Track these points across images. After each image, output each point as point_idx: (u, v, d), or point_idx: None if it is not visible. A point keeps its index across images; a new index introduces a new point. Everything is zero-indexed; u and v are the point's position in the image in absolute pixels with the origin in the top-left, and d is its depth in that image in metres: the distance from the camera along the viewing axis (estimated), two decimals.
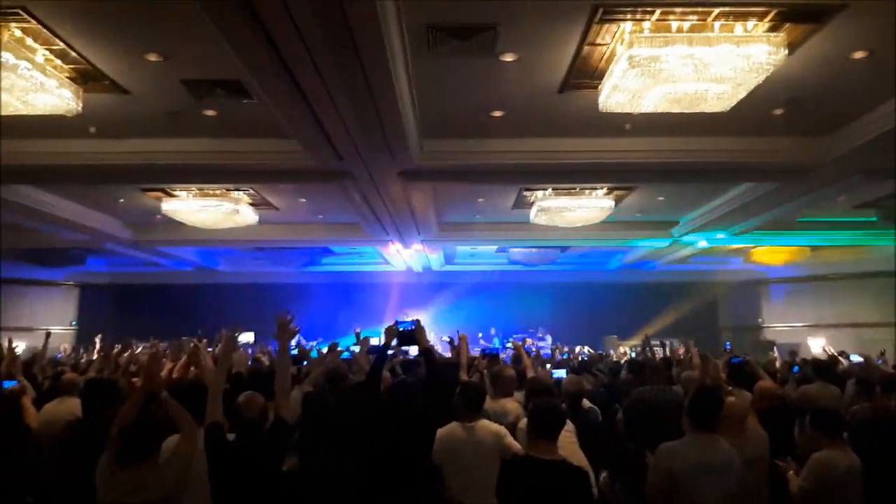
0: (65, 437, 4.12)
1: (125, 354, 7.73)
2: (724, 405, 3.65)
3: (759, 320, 20.06)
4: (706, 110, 6.25)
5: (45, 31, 5.69)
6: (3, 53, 5.39)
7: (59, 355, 12.31)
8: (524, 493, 3.14)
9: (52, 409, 5.11)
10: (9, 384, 4.97)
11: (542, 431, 3.29)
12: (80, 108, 6.45)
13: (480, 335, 17.54)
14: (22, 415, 4.66)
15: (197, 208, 10.95)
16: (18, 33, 5.69)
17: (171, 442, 3.49)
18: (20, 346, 13.51)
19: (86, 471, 3.37)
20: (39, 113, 6.31)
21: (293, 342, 12.81)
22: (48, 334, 8.08)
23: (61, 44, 5.94)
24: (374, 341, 6.42)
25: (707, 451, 3.37)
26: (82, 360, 10.43)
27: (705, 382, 4.34)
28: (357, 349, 6.66)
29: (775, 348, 14.66)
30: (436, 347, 9.95)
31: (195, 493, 3.38)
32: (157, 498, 3.19)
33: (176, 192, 11.05)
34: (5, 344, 6.95)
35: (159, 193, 11.18)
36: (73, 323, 19.46)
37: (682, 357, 7.86)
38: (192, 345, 6.68)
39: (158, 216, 12.00)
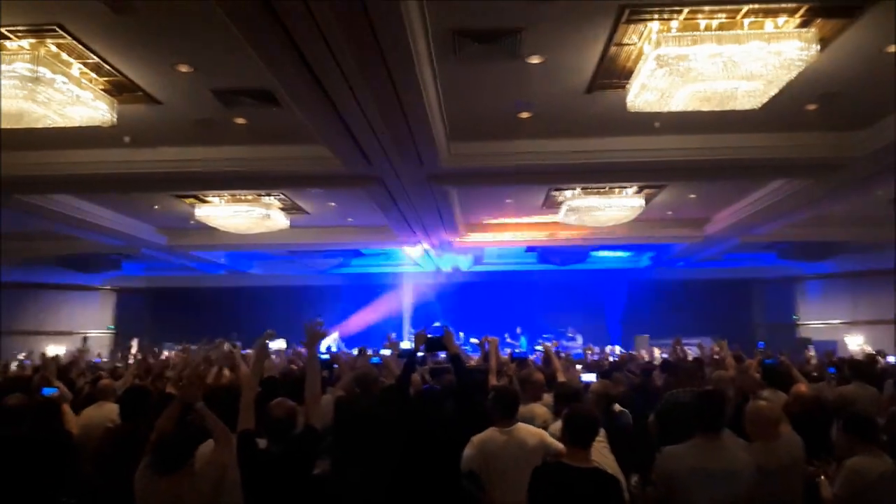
0: (104, 443, 4.23)
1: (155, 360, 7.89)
2: (725, 408, 3.61)
3: (795, 318, 19.70)
4: (737, 108, 6.17)
5: (79, 45, 5.83)
6: (41, 69, 5.53)
7: (98, 360, 12.57)
8: (556, 501, 3.14)
9: (91, 414, 5.25)
10: (48, 391, 5.09)
11: (576, 439, 3.28)
12: (114, 119, 6.59)
13: (507, 335, 17.50)
14: (63, 420, 4.79)
15: (229, 214, 11.11)
16: (54, 49, 5.84)
17: (205, 448, 3.56)
18: (61, 350, 13.89)
19: (125, 476, 3.46)
20: (76, 125, 6.47)
21: (331, 346, 12.92)
22: (85, 339, 8.27)
23: (95, 57, 6.08)
24: (404, 345, 6.46)
25: (709, 457, 3.33)
26: (119, 366, 10.65)
27: (741, 385, 4.28)
28: (388, 353, 6.71)
29: (811, 346, 14.38)
30: (463, 349, 9.99)
31: (229, 501, 3.45)
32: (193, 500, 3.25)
33: (208, 199, 11.23)
34: (46, 352, 7.13)
35: (192, 199, 11.38)
36: (111, 327, 19.87)
37: (714, 357, 7.77)
38: (228, 350, 6.79)
39: (192, 222, 12.21)
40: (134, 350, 14.27)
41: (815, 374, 8.47)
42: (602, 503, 3.10)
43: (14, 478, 3.80)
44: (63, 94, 5.91)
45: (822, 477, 3.84)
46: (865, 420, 3.90)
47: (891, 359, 8.46)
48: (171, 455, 3.29)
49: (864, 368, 6.77)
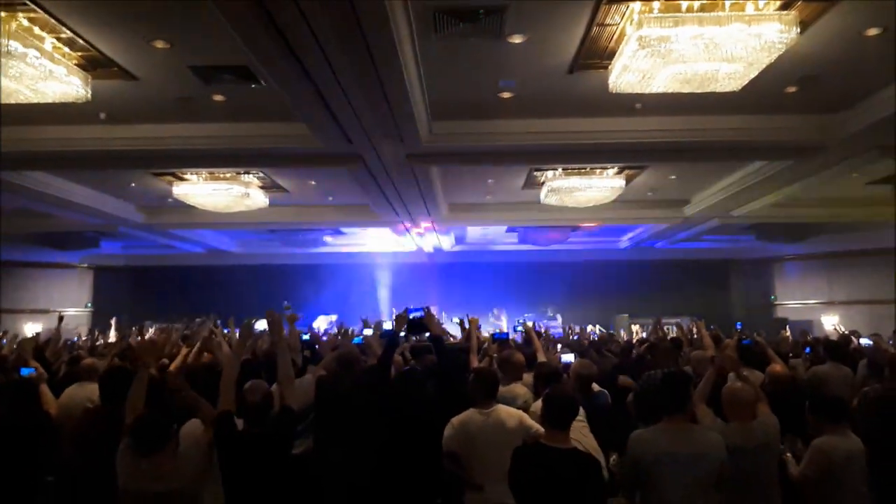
0: (84, 424, 4.19)
1: (139, 338, 7.82)
2: (690, 390, 3.65)
3: (772, 298, 19.98)
4: (717, 90, 6.19)
5: (52, 20, 5.70)
6: (11, 43, 5.41)
7: (75, 339, 12.43)
8: (536, 481, 3.16)
9: (72, 394, 5.20)
10: (26, 371, 5.04)
11: (555, 420, 3.30)
12: (89, 95, 6.48)
13: (495, 311, 17.65)
14: (41, 401, 4.75)
15: (208, 192, 11.00)
16: (26, 23, 5.71)
17: (191, 427, 3.56)
18: (37, 328, 13.73)
19: (105, 456, 3.44)
20: (50, 100, 6.35)
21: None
22: (61, 317, 8.15)
23: (68, 32, 5.95)
24: (386, 326, 6.45)
25: (676, 440, 3.35)
26: (98, 343, 10.55)
27: (721, 365, 4.31)
28: (370, 333, 6.70)
29: (787, 326, 14.61)
30: (445, 328, 10.01)
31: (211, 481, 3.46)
32: (178, 486, 3.24)
33: (186, 176, 11.09)
34: (24, 331, 7.04)
35: (170, 177, 11.24)
36: (89, 305, 19.68)
37: (692, 337, 7.86)
38: (208, 331, 6.75)
39: (170, 200, 12.08)
40: (113, 329, 14.14)
41: (791, 353, 8.61)
42: (581, 484, 3.13)
43: None
44: (35, 68, 5.80)
45: (788, 455, 3.92)
46: (833, 401, 3.98)
47: (864, 340, 8.59)
48: (150, 435, 3.26)
49: (839, 348, 6.87)
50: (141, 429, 3.28)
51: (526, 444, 3.47)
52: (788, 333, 11.64)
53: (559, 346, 8.70)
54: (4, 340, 8.02)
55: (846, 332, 9.68)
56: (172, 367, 5.55)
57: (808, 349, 8.37)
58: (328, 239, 18.13)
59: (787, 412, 4.08)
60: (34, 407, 4.58)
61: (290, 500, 3.48)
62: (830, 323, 15.48)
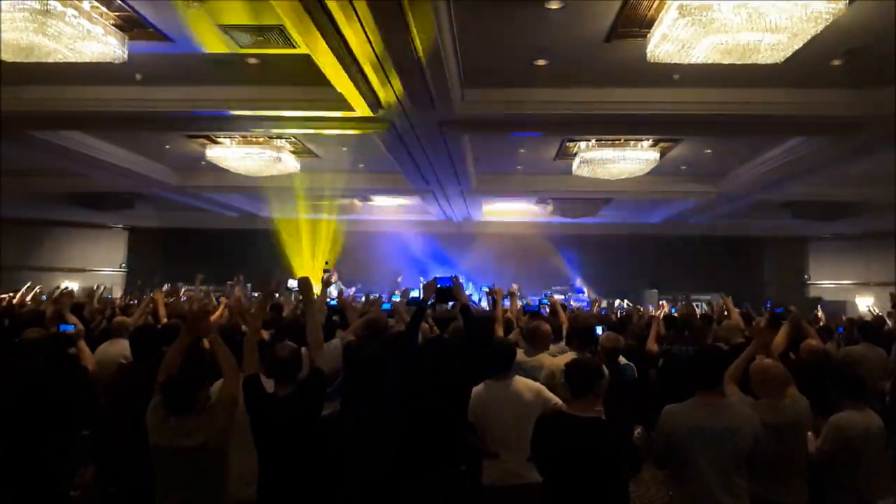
0: (116, 379, 4.31)
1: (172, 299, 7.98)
2: (726, 365, 3.63)
3: (806, 277, 19.63)
4: (759, 62, 6.01)
5: None
6: (51, 2, 5.45)
7: (110, 296, 12.70)
8: (559, 450, 3.18)
9: (106, 350, 5.36)
10: (65, 328, 5.18)
11: (577, 389, 3.31)
12: (125, 56, 6.51)
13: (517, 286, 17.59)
14: (79, 357, 4.88)
15: (240, 155, 11.09)
16: None
17: (217, 385, 3.62)
18: (73, 286, 14.05)
19: (138, 411, 3.53)
20: (87, 60, 6.39)
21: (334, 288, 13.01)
22: (98, 287, 8.36)
23: None
24: (413, 294, 6.48)
25: (709, 415, 3.35)
26: (133, 303, 10.77)
27: (760, 346, 4.25)
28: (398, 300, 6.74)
29: (820, 306, 14.37)
30: (473, 297, 10.03)
31: (240, 442, 3.53)
32: (205, 441, 3.31)
33: (220, 140, 11.17)
34: (60, 285, 7.21)
35: (204, 140, 11.33)
36: (123, 266, 20.06)
37: (722, 313, 7.77)
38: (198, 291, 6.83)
39: (203, 163, 12.18)
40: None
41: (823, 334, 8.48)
42: (604, 452, 3.14)
43: (33, 410, 3.89)
44: (74, 27, 5.83)
45: (810, 433, 3.90)
46: (851, 377, 3.97)
47: None
48: (181, 396, 3.33)
49: (873, 329, 6.75)
50: (172, 390, 3.35)
51: (549, 413, 3.48)
52: (822, 313, 11.42)
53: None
54: (44, 296, 8.21)
55: (880, 314, 9.48)
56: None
57: (840, 329, 8.23)
58: (358, 206, 18.15)
59: (818, 390, 4.04)
60: (72, 362, 4.72)
61: (320, 462, 3.53)
62: (865, 304, 15.19)
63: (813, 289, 19.28)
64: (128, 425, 3.79)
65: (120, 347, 5.14)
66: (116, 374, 4.37)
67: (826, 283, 19.08)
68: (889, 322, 8.58)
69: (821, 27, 5.39)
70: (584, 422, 3.20)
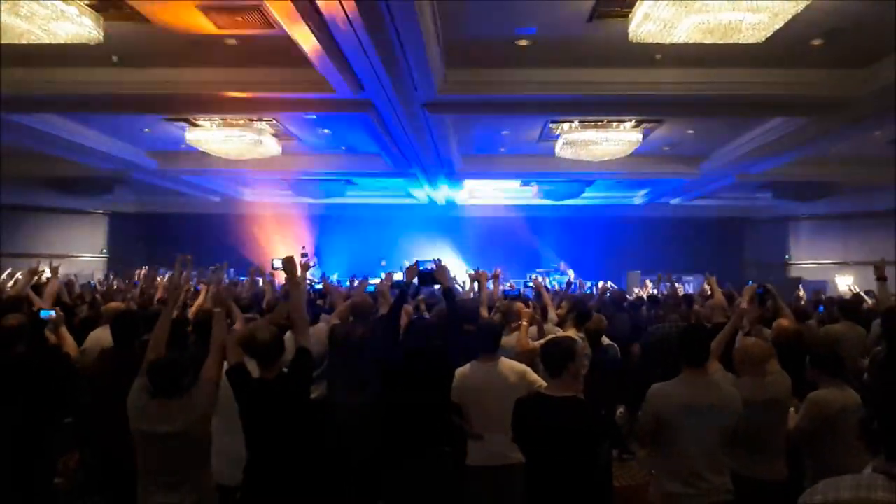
0: (98, 365, 4.26)
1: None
2: (710, 341, 3.67)
3: (786, 257, 19.83)
4: (740, 41, 6.02)
5: None
6: None
7: (93, 283, 12.57)
8: (536, 430, 3.22)
9: (98, 337, 5.26)
10: (46, 314, 5.10)
11: (553, 369, 3.34)
12: (101, 37, 6.40)
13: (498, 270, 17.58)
14: (61, 343, 4.81)
15: (220, 138, 10.96)
16: None
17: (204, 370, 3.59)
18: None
19: (119, 397, 3.50)
20: (61, 41, 6.28)
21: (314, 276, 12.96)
22: (72, 280, 8.20)
23: None
24: (397, 276, 6.46)
25: (696, 393, 3.39)
26: (115, 288, 10.67)
27: (739, 321, 4.30)
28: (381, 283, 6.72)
29: (801, 286, 14.53)
30: (458, 280, 10.04)
31: (226, 426, 3.52)
32: (187, 425, 3.29)
33: (199, 122, 11.04)
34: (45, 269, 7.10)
35: (183, 123, 11.18)
36: (105, 251, 19.85)
37: (705, 293, 7.85)
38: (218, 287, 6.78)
39: (183, 146, 12.04)
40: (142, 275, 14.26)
41: (804, 312, 8.57)
42: (582, 430, 3.17)
43: (14, 397, 3.84)
44: (47, 8, 5.72)
45: (791, 410, 3.95)
46: (830, 355, 3.99)
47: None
48: (168, 379, 3.30)
49: (852, 308, 6.81)
50: (159, 372, 3.31)
51: (528, 394, 3.51)
52: (803, 293, 11.56)
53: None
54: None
55: (859, 292, 9.59)
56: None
57: (820, 308, 8.32)
58: (341, 189, 18.03)
59: (793, 368, 4.09)
60: (54, 348, 4.66)
61: (308, 444, 3.52)
62: (845, 283, 15.37)
63: (794, 269, 19.48)
64: (111, 412, 3.74)
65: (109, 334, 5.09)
66: (98, 361, 4.32)
67: (806, 262, 19.29)
68: (868, 300, 8.70)
69: (801, 7, 5.41)
70: (560, 401, 3.24)
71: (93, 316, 6.31)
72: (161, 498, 3.30)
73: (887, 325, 5.02)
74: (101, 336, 5.19)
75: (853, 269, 17.16)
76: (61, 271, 6.90)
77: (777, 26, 5.79)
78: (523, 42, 7.50)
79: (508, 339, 4.80)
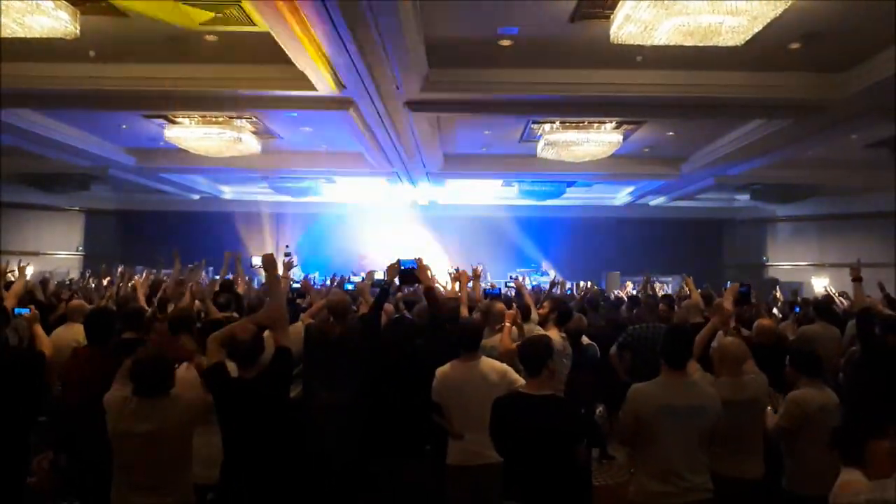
0: (72, 364, 4.19)
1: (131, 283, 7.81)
2: (693, 344, 3.70)
3: (764, 258, 20.07)
4: (720, 44, 6.07)
5: None
6: None
7: (68, 282, 12.41)
8: (515, 429, 3.23)
9: (60, 334, 5.22)
10: (20, 311, 5.02)
11: (531, 368, 3.35)
12: (77, 31, 6.29)
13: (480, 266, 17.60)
14: (35, 341, 4.73)
15: (199, 136, 10.84)
16: None
17: (183, 371, 3.55)
18: (27, 271, 13.64)
19: (93, 396, 3.44)
20: (37, 35, 6.17)
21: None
22: (47, 278, 8.08)
23: None
24: (378, 276, 6.44)
25: (676, 393, 3.41)
26: (91, 287, 10.53)
27: (719, 321, 4.32)
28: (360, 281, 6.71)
29: (778, 287, 14.70)
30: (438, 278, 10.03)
31: (203, 424, 3.47)
32: (167, 426, 3.24)
33: (178, 119, 10.92)
34: (14, 268, 6.98)
35: (162, 120, 11.05)
36: (80, 248, 19.59)
37: (683, 294, 7.90)
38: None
39: (161, 143, 11.90)
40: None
41: (780, 314, 8.68)
42: (559, 428, 3.18)
43: None
44: (23, 1, 5.61)
45: (769, 409, 4.00)
46: (809, 355, 4.06)
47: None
48: (146, 381, 3.25)
49: (828, 309, 6.91)
50: (144, 371, 3.26)
51: (506, 393, 3.51)
52: (780, 294, 11.69)
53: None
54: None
55: (833, 293, 9.71)
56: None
57: (797, 309, 8.43)
58: (321, 187, 17.93)
59: (771, 368, 4.14)
60: (28, 346, 4.57)
61: (286, 444, 3.48)
62: (821, 284, 15.58)
63: (771, 270, 19.72)
64: (85, 411, 3.69)
65: (73, 332, 5.01)
66: (71, 359, 4.24)
67: (783, 264, 19.54)
68: (841, 302, 8.81)
69: (780, 10, 5.46)
70: (538, 400, 3.25)
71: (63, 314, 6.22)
72: (137, 500, 3.24)
73: (861, 325, 5.10)
74: (64, 334, 5.14)
75: (829, 270, 17.41)
76: (36, 269, 6.80)
77: (756, 29, 5.84)
78: (505, 42, 7.50)
79: (491, 340, 4.81)
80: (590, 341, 5.64)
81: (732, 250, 20.66)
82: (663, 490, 3.34)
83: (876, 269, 15.65)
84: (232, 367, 3.47)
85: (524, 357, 3.41)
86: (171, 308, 5.28)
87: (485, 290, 7.35)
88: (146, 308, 5.49)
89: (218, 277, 7.63)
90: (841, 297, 9.04)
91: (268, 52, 7.60)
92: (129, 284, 8.13)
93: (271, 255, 3.84)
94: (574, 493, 3.30)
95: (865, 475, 2.43)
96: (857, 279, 5.63)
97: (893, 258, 15.38)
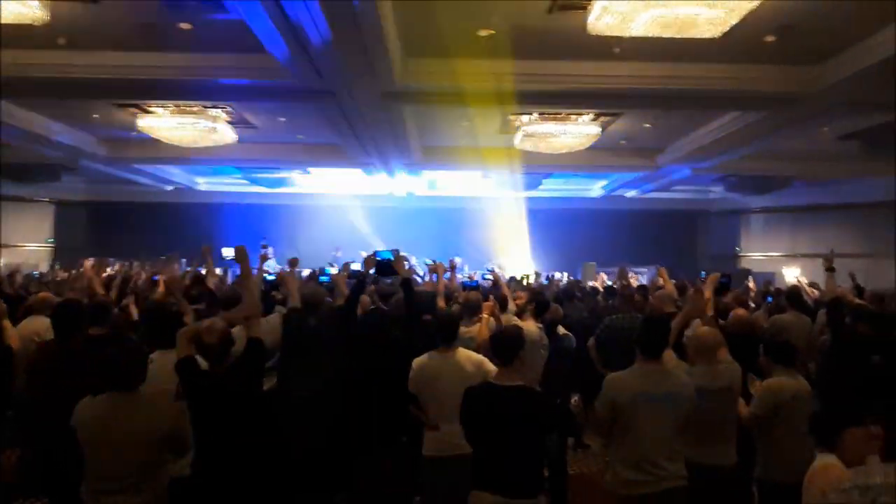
0: (38, 358, 4.10)
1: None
2: (669, 334, 3.73)
3: (737, 249, 20.31)
4: (697, 35, 6.10)
5: None
6: None
7: (36, 273, 12.20)
8: (486, 419, 3.23)
9: (24, 326, 5.10)
10: None
11: (503, 358, 3.37)
12: (47, 17, 6.16)
13: (459, 259, 17.62)
14: (3, 335, 4.63)
15: (173, 125, 10.71)
16: None
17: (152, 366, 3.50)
18: None
19: (61, 391, 3.37)
20: (6, 21, 6.03)
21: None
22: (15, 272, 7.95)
23: None
24: (355, 266, 6.41)
25: (651, 381, 3.44)
26: (59, 279, 10.36)
27: (692, 310, 4.36)
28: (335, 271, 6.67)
29: (751, 277, 14.89)
30: (417, 270, 10.02)
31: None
32: (144, 423, 3.18)
33: (152, 109, 10.75)
34: None
35: (134, 109, 10.87)
36: (50, 240, 19.25)
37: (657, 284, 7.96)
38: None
39: (134, 133, 11.71)
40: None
41: (753, 304, 8.77)
42: (528, 418, 3.19)
43: None
44: None
45: (742, 401, 4.05)
46: (783, 344, 4.11)
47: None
48: (124, 373, 3.19)
49: (799, 298, 7.00)
50: (114, 365, 3.19)
51: (477, 384, 3.51)
52: (752, 284, 11.83)
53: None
54: None
55: (803, 283, 9.84)
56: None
57: (769, 298, 8.53)
58: (296, 178, 17.80)
59: (745, 356, 4.19)
60: None
61: (258, 437, 3.44)
62: (793, 275, 15.82)
63: (744, 261, 19.96)
64: (52, 407, 3.61)
65: (37, 325, 4.92)
66: (37, 353, 4.14)
67: (756, 254, 19.80)
68: (811, 291, 8.93)
69: (756, 3, 5.50)
70: (508, 390, 3.26)
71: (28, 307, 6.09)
72: (106, 498, 3.17)
73: (832, 315, 5.18)
74: (28, 326, 5.04)
75: (801, 260, 17.67)
76: (4, 261, 6.67)
77: (733, 21, 5.89)
78: (484, 32, 7.47)
79: (470, 330, 4.81)
80: (566, 331, 5.66)
81: (707, 241, 20.88)
82: (638, 478, 3.36)
83: (846, 259, 15.99)
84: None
85: (495, 347, 3.42)
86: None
87: (463, 281, 7.37)
88: (109, 299, 5.41)
89: (189, 269, 7.54)
90: (811, 287, 9.16)
91: (243, 42, 7.50)
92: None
93: (243, 247, 3.79)
94: (543, 483, 3.30)
95: (841, 460, 2.48)
96: (830, 269, 5.72)
97: (863, 248, 15.69)
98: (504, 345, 3.39)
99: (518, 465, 3.18)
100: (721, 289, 5.18)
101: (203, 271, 7.68)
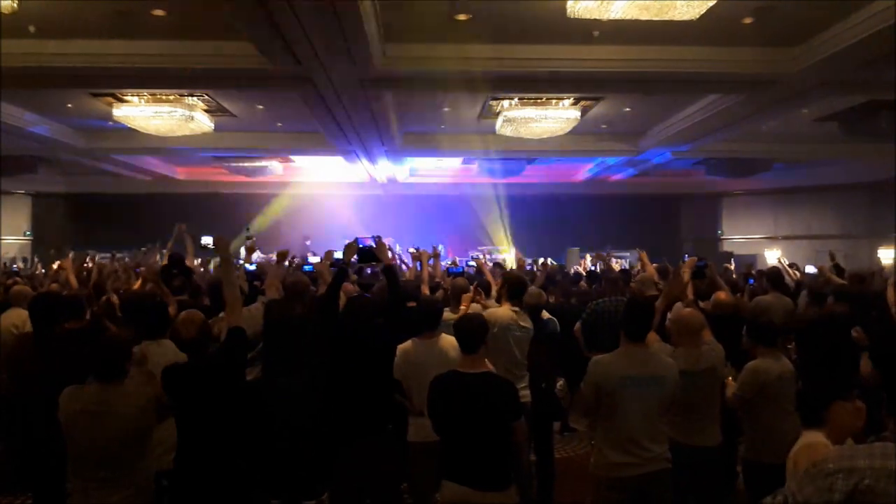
0: (17, 350, 4.05)
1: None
2: (653, 317, 3.73)
3: (719, 232, 20.47)
4: (675, 17, 6.09)
5: None
6: None
7: (15, 266, 12.02)
8: (450, 408, 3.22)
9: (4, 319, 5.05)
10: None
11: (466, 346, 3.34)
12: (15, 5, 6.02)
13: (441, 247, 17.60)
14: None
15: (150, 114, 10.55)
16: None
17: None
18: None
19: (40, 383, 3.32)
20: None
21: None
22: None
23: None
24: (337, 255, 6.36)
25: (636, 364, 3.45)
26: (38, 273, 10.22)
27: (672, 292, 4.37)
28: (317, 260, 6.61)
29: (732, 260, 15.02)
30: (402, 257, 9.99)
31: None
32: (125, 412, 3.13)
33: (127, 98, 10.58)
34: None
35: (110, 98, 10.69)
36: (27, 233, 18.98)
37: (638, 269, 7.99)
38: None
39: (110, 123, 11.53)
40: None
41: (735, 286, 8.82)
42: (494, 406, 3.17)
43: None
44: None
45: (729, 378, 4.07)
46: (766, 326, 4.14)
47: (809, 269, 8.85)
48: (110, 363, 3.13)
49: (781, 280, 7.06)
50: (101, 354, 3.13)
51: (443, 373, 3.49)
52: (733, 266, 11.93)
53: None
54: None
55: (785, 265, 9.91)
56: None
57: (751, 280, 8.59)
58: (277, 166, 17.62)
59: (728, 338, 4.21)
60: None
61: (242, 427, 3.40)
62: (774, 256, 15.98)
63: (726, 243, 20.13)
64: (29, 400, 3.56)
65: (14, 317, 4.86)
66: (16, 345, 4.09)
67: (738, 237, 19.96)
68: (795, 274, 9.01)
69: None
70: (472, 378, 3.24)
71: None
72: (92, 492, 3.12)
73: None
74: (5, 319, 4.99)
75: (780, 242, 17.86)
76: None
77: (711, 3, 5.88)
78: (462, 17, 7.41)
79: (454, 316, 4.79)
80: (550, 316, 5.65)
81: (689, 225, 21.02)
82: (624, 461, 3.37)
83: (825, 240, 16.21)
84: None
85: (458, 335, 3.39)
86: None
87: (447, 268, 7.34)
88: (83, 292, 5.34)
89: (166, 251, 7.44)
90: (791, 269, 9.24)
91: (220, 28, 7.39)
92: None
93: (222, 236, 3.74)
94: (510, 471, 3.28)
95: (826, 437, 2.50)
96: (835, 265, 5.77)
97: (842, 229, 15.87)
98: (466, 333, 3.36)
99: (484, 455, 3.15)
100: (698, 272, 5.19)
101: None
